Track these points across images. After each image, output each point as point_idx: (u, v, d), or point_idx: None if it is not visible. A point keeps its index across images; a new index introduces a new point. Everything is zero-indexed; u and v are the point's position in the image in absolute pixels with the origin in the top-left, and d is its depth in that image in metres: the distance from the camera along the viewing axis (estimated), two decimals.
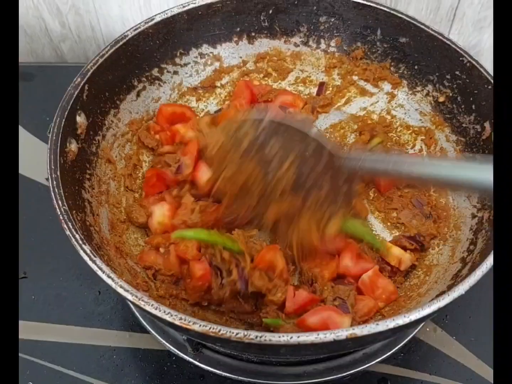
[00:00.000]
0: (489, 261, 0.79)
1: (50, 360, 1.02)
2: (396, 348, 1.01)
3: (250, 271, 0.91)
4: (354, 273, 0.99)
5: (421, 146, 1.18)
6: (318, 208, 0.91)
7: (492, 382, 1.01)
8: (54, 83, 1.38)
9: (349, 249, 1.00)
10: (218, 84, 1.28)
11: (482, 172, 0.69)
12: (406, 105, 1.22)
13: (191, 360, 1.00)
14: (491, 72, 1.04)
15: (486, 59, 1.54)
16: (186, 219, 1.00)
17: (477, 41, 1.51)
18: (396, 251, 1.01)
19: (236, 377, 0.98)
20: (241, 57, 1.28)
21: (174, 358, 1.02)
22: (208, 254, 0.93)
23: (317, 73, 1.30)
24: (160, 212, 1.03)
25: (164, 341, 1.01)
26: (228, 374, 0.98)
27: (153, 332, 1.03)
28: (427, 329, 1.07)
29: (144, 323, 1.04)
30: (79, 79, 0.99)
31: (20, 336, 1.03)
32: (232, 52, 1.27)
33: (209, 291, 0.93)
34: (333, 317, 0.88)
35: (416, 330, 1.04)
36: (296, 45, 1.28)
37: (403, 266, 1.01)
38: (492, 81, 1.01)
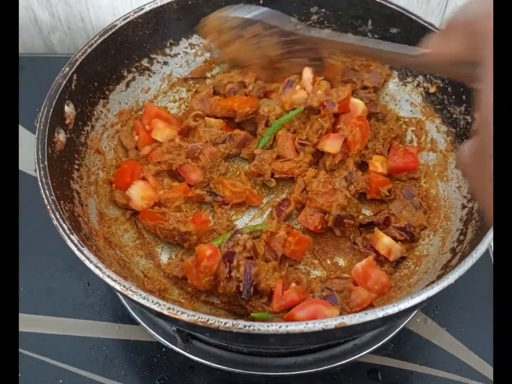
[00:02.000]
0: (478, 251, 0.80)
1: (39, 352, 1.02)
2: (387, 339, 1.02)
3: (258, 269, 0.92)
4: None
5: (411, 137, 1.18)
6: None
7: (482, 372, 1.01)
8: (44, 74, 1.36)
9: None
10: (208, 75, 1.27)
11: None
12: (397, 96, 1.22)
13: (181, 351, 1.00)
14: None
15: None
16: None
17: None
18: (387, 240, 1.02)
19: (226, 368, 0.98)
20: None
21: (163, 349, 1.02)
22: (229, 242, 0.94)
23: None
24: (137, 190, 1.03)
25: (153, 333, 1.01)
26: (218, 365, 0.99)
27: (142, 323, 1.03)
28: (418, 320, 1.07)
29: (134, 314, 1.04)
30: (67, 69, 0.98)
31: None
32: None
33: (217, 281, 0.93)
34: (321, 310, 0.88)
35: (407, 321, 1.04)
36: None
37: (392, 257, 1.01)
38: None
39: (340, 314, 0.90)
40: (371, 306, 0.94)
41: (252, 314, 0.91)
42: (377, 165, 1.10)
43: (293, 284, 0.94)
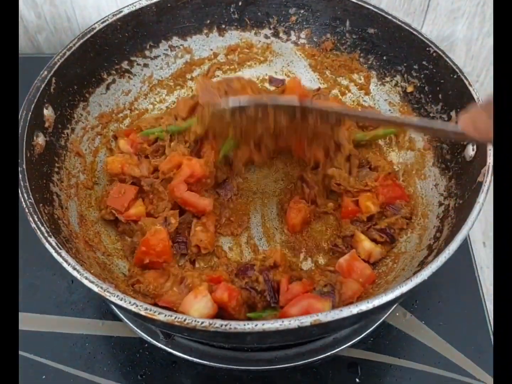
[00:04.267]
0: (451, 247, 0.81)
1: (22, 348, 1.02)
2: (366, 332, 1.03)
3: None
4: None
5: (390, 136, 1.19)
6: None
7: (460, 365, 1.03)
8: (31, 74, 1.38)
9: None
10: (189, 76, 1.28)
11: None
12: (375, 96, 1.24)
13: (163, 347, 1.01)
14: (463, 62, 1.05)
15: (460, 49, 1.56)
16: None
17: (451, 31, 1.52)
18: (367, 245, 1.03)
19: (208, 363, 1.00)
20: (211, 50, 1.28)
21: (146, 345, 1.03)
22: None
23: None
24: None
25: (136, 329, 1.02)
26: (199, 360, 1.00)
27: (125, 319, 1.04)
28: (397, 314, 1.09)
29: (117, 311, 1.05)
30: (45, 72, 0.99)
31: None
32: (203, 45, 1.27)
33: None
34: (313, 304, 0.88)
35: (386, 315, 1.06)
36: (266, 37, 1.28)
37: (372, 259, 1.03)
38: (457, 70, 1.03)
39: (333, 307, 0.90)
40: (360, 298, 0.95)
41: (247, 314, 0.93)
42: (369, 204, 1.06)
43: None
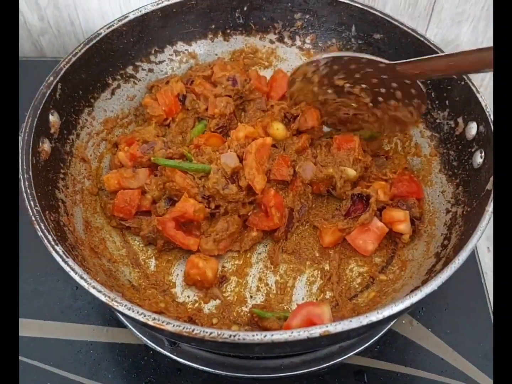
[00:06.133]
0: (461, 257, 0.80)
1: (27, 355, 1.02)
2: (372, 340, 1.03)
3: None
4: None
5: (396, 142, 1.19)
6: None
7: (466, 373, 1.02)
8: (34, 77, 1.37)
9: None
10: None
11: None
12: None
13: (168, 354, 1.00)
14: None
15: None
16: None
17: (455, 35, 1.52)
18: (399, 214, 1.05)
19: (213, 370, 0.99)
20: (216, 54, 1.28)
21: (151, 352, 1.02)
22: None
23: None
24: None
25: (141, 336, 1.02)
26: (205, 368, 0.99)
27: (130, 326, 1.03)
28: (403, 321, 1.08)
29: (122, 317, 1.04)
30: (51, 78, 0.98)
31: None
32: (208, 49, 1.27)
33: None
34: (311, 311, 0.88)
35: (392, 323, 1.05)
36: (271, 42, 1.28)
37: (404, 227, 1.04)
38: (465, 76, 1.02)
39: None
40: (356, 310, 0.96)
41: (253, 310, 0.93)
42: (379, 193, 1.06)
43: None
